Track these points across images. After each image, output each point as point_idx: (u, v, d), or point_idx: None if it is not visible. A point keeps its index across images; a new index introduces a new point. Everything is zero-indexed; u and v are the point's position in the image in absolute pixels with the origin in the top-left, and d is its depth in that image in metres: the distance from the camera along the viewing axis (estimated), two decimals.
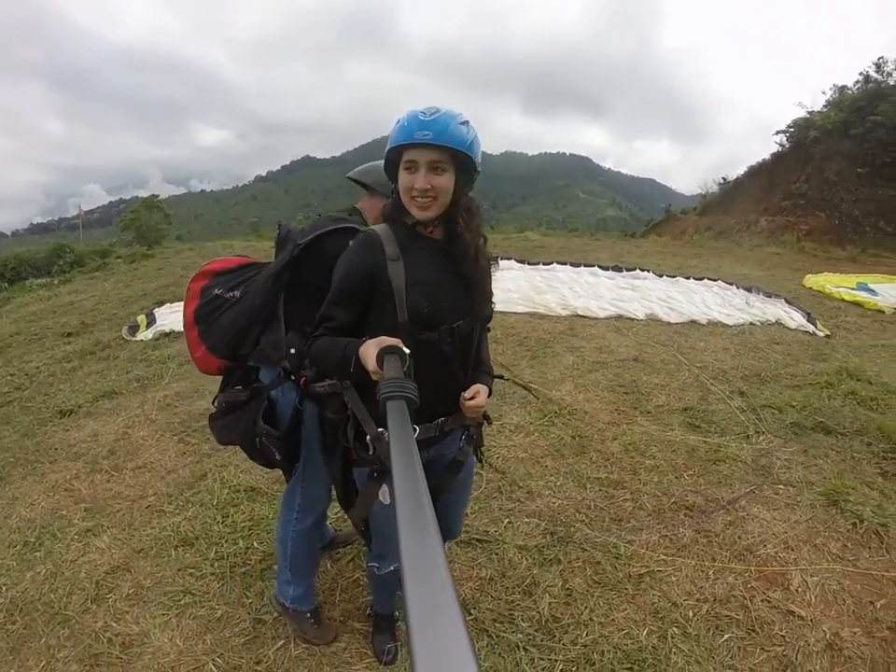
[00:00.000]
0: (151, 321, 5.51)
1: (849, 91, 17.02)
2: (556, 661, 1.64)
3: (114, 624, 1.82)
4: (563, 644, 1.70)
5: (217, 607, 1.87)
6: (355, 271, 1.23)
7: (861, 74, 17.44)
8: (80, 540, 2.24)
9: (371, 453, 1.18)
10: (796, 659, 1.65)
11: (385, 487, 1.22)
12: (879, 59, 17.05)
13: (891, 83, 16.28)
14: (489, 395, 1.33)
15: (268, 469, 2.05)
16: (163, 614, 1.84)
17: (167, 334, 5.13)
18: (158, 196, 19.43)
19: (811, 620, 1.79)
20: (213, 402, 1.72)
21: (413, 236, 1.24)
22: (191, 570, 2.04)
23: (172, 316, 5.67)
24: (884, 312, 6.17)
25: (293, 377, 1.53)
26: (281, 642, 1.73)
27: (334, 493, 1.53)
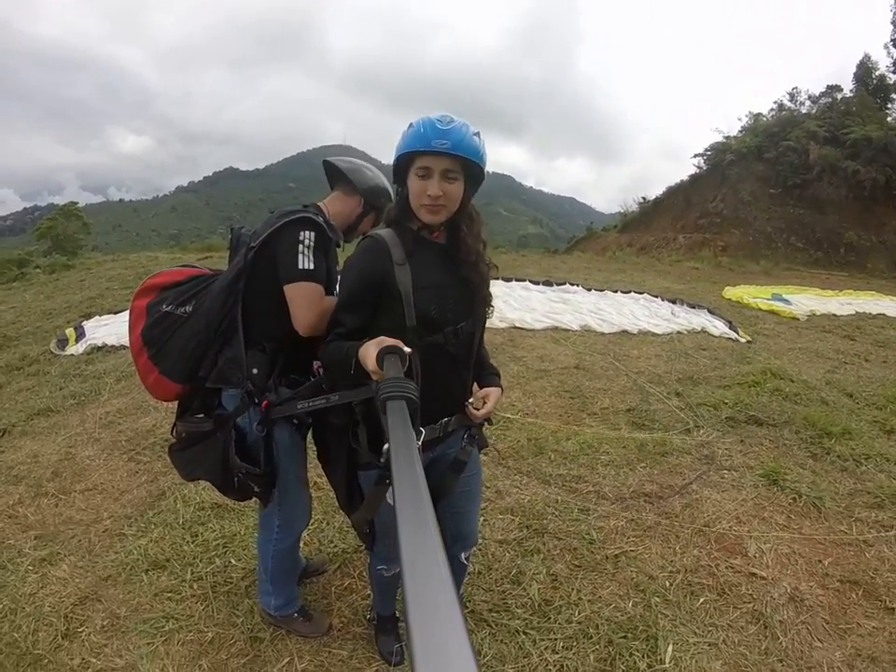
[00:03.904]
0: (81, 334, 5.12)
1: (764, 118, 19.20)
2: (556, 639, 1.73)
3: (93, 660, 1.66)
4: (559, 624, 1.80)
5: (205, 629, 1.76)
6: (363, 276, 1.23)
7: (775, 102, 19.84)
8: (36, 571, 2.03)
9: (382, 460, 1.20)
10: (766, 612, 1.86)
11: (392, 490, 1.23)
12: (793, 89, 19.64)
13: (803, 111, 18.62)
14: (501, 392, 1.39)
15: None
16: (148, 643, 1.71)
17: (99, 348, 4.78)
18: (76, 203, 17.90)
19: (772, 579, 2.03)
20: (171, 431, 1.58)
21: (417, 240, 1.25)
22: (169, 594, 1.91)
23: (102, 329, 5.32)
24: (798, 319, 6.76)
25: (256, 400, 1.43)
26: (286, 659, 1.66)
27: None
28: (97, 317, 5.85)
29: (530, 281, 7.84)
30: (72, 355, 4.70)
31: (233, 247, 1.56)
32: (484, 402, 1.34)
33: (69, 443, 3.07)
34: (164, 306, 1.48)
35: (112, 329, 5.26)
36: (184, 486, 2.56)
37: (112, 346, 4.79)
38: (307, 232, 1.38)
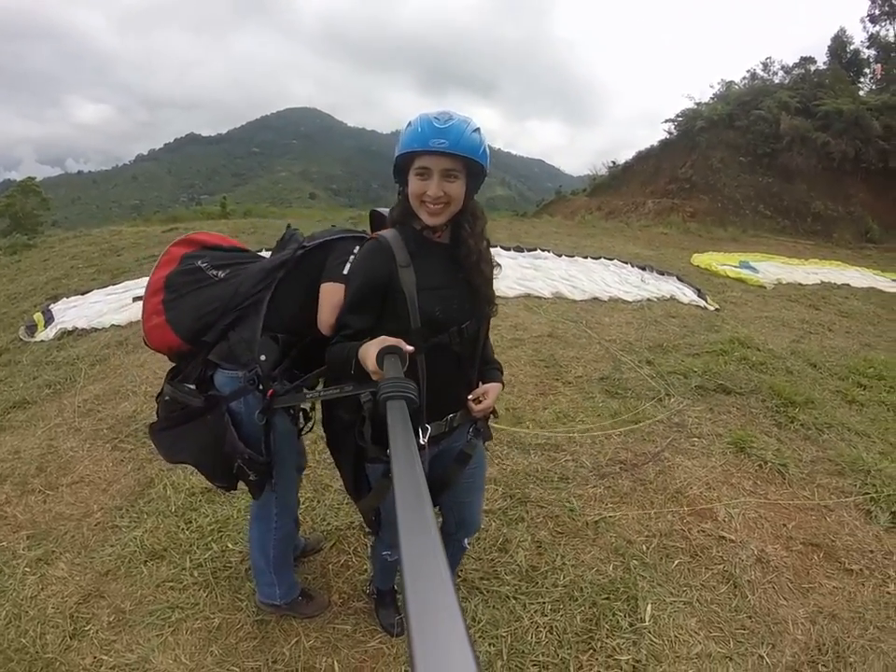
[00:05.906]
0: (49, 319, 4.95)
1: (736, 87, 19.10)
2: (544, 603, 1.86)
3: (105, 657, 1.66)
4: (546, 588, 1.93)
5: (211, 616, 1.80)
6: (367, 278, 1.24)
7: (748, 71, 19.79)
8: (34, 572, 2.00)
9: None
10: (735, 572, 2.02)
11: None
12: (767, 59, 19.58)
13: (776, 81, 18.62)
14: (502, 387, 1.41)
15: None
16: (157, 635, 1.73)
17: (70, 332, 4.63)
18: (34, 178, 16.96)
19: (740, 542, 2.19)
20: (156, 397, 1.54)
21: (421, 241, 1.25)
22: (171, 584, 1.93)
23: (71, 312, 5.16)
24: (765, 287, 6.95)
25: (261, 387, 1.42)
26: (294, 639, 1.72)
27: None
28: (64, 299, 5.64)
29: (501, 247, 7.66)
30: (42, 341, 4.54)
31: (282, 242, 1.60)
32: (485, 397, 1.35)
33: (50, 436, 3.00)
34: (200, 262, 1.50)
35: (81, 312, 5.10)
36: (172, 472, 2.55)
37: (83, 329, 4.65)
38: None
